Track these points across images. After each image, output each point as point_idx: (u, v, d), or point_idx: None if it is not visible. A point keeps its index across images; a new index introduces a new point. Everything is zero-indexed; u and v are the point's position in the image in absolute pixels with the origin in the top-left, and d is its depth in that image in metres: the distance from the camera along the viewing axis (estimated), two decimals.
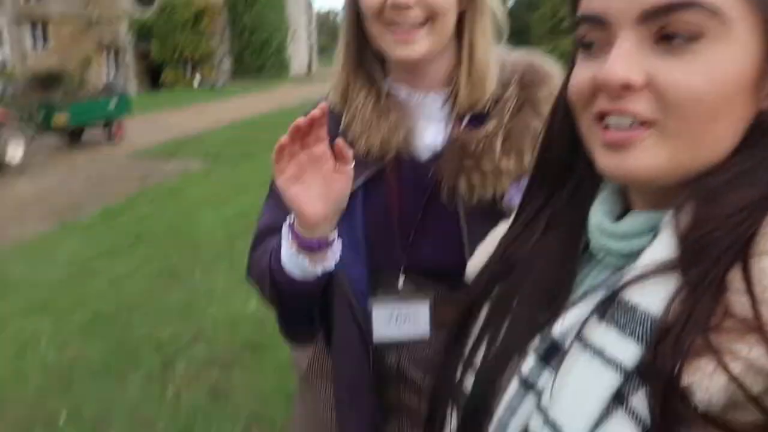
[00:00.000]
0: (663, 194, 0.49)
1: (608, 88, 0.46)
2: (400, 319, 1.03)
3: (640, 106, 0.46)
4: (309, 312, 1.10)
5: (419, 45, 0.94)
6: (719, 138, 0.46)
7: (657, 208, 0.49)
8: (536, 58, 1.03)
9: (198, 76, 31.48)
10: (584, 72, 0.50)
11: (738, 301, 0.40)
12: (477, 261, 0.68)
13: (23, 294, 4.44)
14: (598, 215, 0.55)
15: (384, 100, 1.02)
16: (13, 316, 4.01)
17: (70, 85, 13.61)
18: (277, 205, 1.10)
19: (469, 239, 0.97)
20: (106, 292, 4.41)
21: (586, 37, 0.50)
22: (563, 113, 0.57)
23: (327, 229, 0.94)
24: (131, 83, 29.74)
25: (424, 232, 1.02)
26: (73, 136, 11.93)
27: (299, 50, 37.70)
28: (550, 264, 0.57)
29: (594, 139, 0.50)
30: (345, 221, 0.99)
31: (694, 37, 0.44)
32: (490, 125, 0.98)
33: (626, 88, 0.46)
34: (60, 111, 11.10)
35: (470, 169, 0.97)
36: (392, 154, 1.01)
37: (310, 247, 0.93)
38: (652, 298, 0.43)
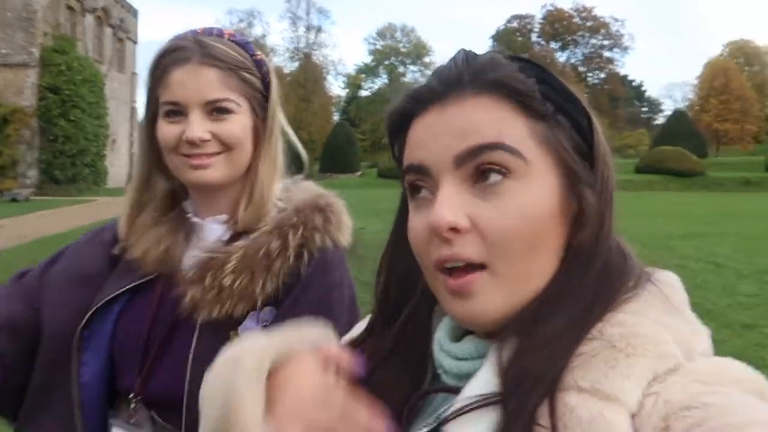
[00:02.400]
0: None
1: (438, 232, 0.49)
2: None
3: (469, 249, 0.49)
4: None
5: (214, 170, 0.99)
6: (541, 270, 0.50)
7: (490, 337, 0.52)
8: (320, 192, 1.08)
9: None
10: (418, 220, 0.53)
11: None
12: None
13: None
14: (441, 332, 0.58)
15: (166, 216, 1.05)
16: None
17: None
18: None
19: (192, 363, 0.94)
20: None
21: (414, 182, 0.54)
22: (393, 253, 0.61)
23: None
24: None
25: (162, 356, 0.99)
26: None
27: (119, 160, 35.76)
28: (400, 385, 0.58)
29: (439, 286, 0.52)
30: (96, 326, 1.00)
31: (504, 173, 0.49)
32: (238, 244, 0.99)
33: (454, 231, 0.49)
34: None
35: (193, 282, 0.97)
36: (154, 267, 1.01)
37: None
38: None
